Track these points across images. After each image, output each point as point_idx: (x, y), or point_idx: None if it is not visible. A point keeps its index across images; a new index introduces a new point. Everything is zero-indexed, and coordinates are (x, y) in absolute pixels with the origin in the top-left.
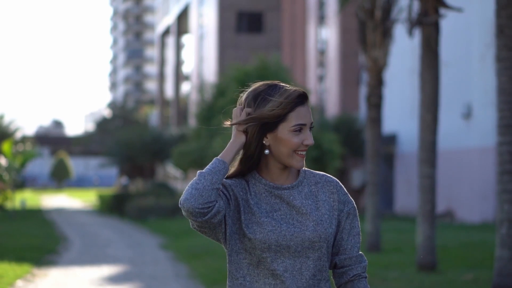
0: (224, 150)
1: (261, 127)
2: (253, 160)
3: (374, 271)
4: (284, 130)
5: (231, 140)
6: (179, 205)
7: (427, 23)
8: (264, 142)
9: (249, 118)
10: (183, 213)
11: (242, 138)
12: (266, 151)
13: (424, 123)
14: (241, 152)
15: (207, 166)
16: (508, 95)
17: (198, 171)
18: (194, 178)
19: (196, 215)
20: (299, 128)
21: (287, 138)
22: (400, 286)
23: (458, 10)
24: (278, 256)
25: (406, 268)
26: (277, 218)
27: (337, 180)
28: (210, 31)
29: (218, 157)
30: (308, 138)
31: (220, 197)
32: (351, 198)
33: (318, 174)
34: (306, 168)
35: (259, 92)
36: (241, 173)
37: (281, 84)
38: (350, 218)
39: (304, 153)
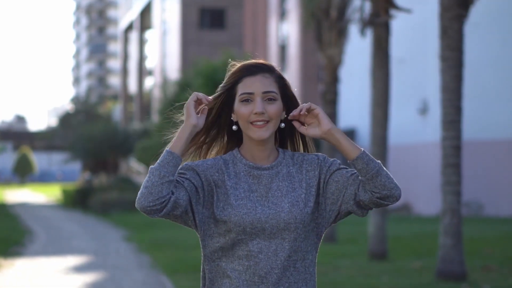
0: (174, 138)
1: (224, 105)
2: (230, 138)
3: (328, 260)
4: (237, 102)
5: (181, 126)
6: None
7: (378, 23)
8: (232, 118)
9: (211, 98)
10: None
11: (192, 120)
12: (234, 127)
13: (375, 119)
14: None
15: (158, 160)
16: (451, 93)
17: (150, 167)
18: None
19: (150, 213)
20: (247, 98)
21: (238, 110)
22: (350, 274)
23: (408, 11)
24: (254, 238)
25: (358, 257)
26: (253, 200)
27: (317, 155)
28: (173, 27)
29: (167, 148)
30: (256, 106)
31: (181, 188)
32: (333, 158)
33: (297, 154)
34: (287, 150)
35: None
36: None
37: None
38: (336, 168)
39: (260, 123)
